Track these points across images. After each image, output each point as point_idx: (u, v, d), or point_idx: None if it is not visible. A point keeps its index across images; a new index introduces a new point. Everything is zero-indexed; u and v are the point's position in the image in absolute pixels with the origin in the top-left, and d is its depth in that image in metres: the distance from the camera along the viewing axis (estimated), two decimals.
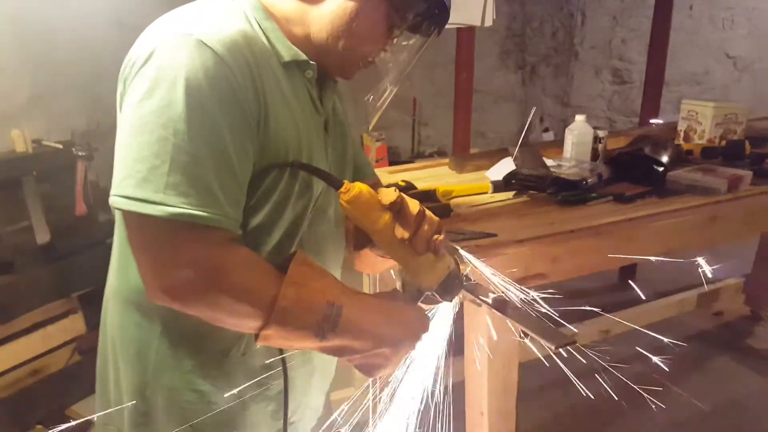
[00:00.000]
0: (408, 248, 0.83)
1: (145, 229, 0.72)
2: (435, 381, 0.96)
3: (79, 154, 2.61)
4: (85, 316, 2.63)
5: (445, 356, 0.96)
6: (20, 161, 2.49)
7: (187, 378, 0.87)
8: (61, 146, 2.64)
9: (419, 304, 0.89)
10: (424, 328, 0.87)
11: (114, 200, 0.72)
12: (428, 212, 0.85)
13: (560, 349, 0.86)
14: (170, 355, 0.86)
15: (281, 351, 0.84)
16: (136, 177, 0.70)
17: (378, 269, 1.09)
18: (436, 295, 0.88)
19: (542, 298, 0.96)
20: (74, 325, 2.61)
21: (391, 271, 0.96)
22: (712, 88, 5.05)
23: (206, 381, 0.87)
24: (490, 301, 0.93)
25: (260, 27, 0.83)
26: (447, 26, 0.94)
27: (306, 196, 0.86)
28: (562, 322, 0.92)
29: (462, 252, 0.98)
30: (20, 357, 2.42)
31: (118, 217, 0.87)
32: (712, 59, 5.05)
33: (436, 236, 0.84)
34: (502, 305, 0.92)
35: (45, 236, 2.57)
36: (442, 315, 0.95)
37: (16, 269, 2.46)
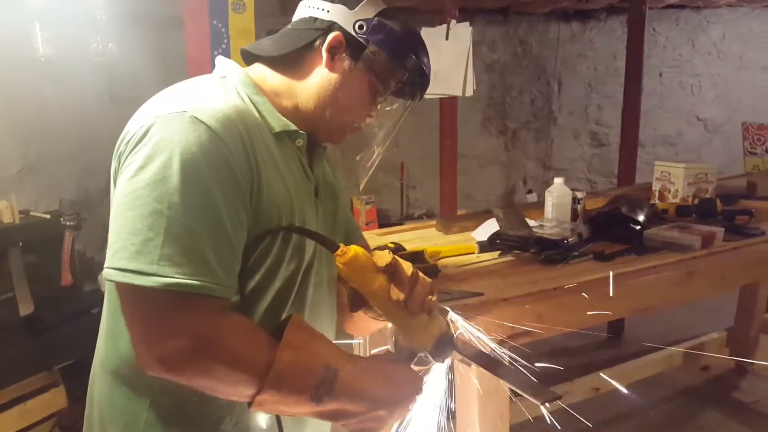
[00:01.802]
0: (403, 309, 0.85)
1: (139, 300, 0.73)
2: None
3: (67, 224, 2.62)
4: (67, 390, 2.56)
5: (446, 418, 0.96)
6: (6, 232, 2.50)
7: None
8: (48, 216, 2.66)
9: (412, 365, 0.89)
10: (419, 389, 0.88)
11: (108, 273, 0.73)
12: (421, 274, 0.88)
13: (546, 405, 0.87)
14: (160, 428, 0.85)
15: (279, 423, 0.83)
16: (129, 249, 0.71)
17: (369, 331, 1.10)
18: (429, 356, 0.89)
19: (532, 356, 0.97)
20: (55, 399, 2.54)
21: (387, 332, 0.97)
22: (685, 150, 5.25)
23: None
24: (478, 359, 0.94)
25: (251, 101, 0.88)
26: (431, 96, 1.00)
27: (296, 259, 0.88)
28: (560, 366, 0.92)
29: (452, 313, 0.99)
30: None
31: (108, 289, 0.88)
32: (683, 122, 5.28)
33: (429, 297, 0.87)
34: (490, 363, 0.93)
35: (29, 308, 2.53)
36: (434, 378, 0.96)
37: None
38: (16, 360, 2.44)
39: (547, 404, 0.86)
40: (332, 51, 0.90)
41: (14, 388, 2.42)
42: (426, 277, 0.88)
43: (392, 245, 1.78)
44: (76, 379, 2.53)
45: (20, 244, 2.51)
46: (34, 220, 2.63)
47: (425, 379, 0.92)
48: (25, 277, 2.52)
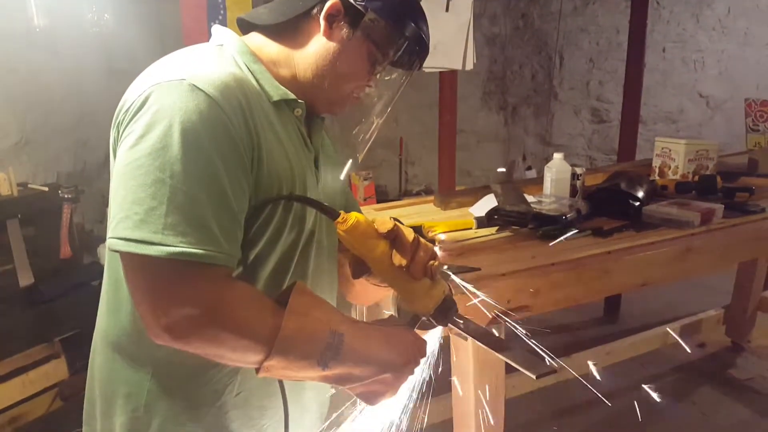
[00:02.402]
0: (405, 274, 0.86)
1: (145, 269, 0.72)
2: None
3: (66, 196, 2.63)
4: (68, 361, 2.59)
5: (429, 386, 0.97)
6: (5, 204, 2.49)
7: (180, 420, 0.86)
8: (46, 189, 2.65)
9: (415, 329, 0.91)
10: (423, 352, 0.89)
11: (112, 242, 0.73)
12: (422, 239, 0.88)
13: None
14: (162, 397, 0.85)
15: (282, 390, 0.84)
16: (133, 219, 0.71)
17: (371, 300, 1.11)
18: (432, 320, 0.91)
19: (529, 331, 0.98)
20: (56, 370, 2.57)
21: (390, 298, 0.98)
22: (687, 126, 5.22)
23: (199, 423, 0.87)
24: (474, 333, 0.94)
25: (249, 69, 0.87)
26: (430, 70, 0.99)
27: (297, 228, 0.89)
28: (551, 356, 0.94)
29: (453, 277, 1.00)
30: (0, 404, 2.36)
31: (108, 260, 0.88)
32: (685, 98, 5.23)
33: (431, 262, 0.87)
34: (486, 337, 0.94)
35: (28, 279, 2.55)
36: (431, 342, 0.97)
37: None
38: (16, 331, 2.46)
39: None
40: (330, 19, 0.88)
41: (15, 358, 2.44)
42: (428, 243, 0.89)
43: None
44: (77, 350, 2.56)
45: (19, 216, 2.51)
46: (32, 193, 2.63)
47: (429, 342, 0.93)
48: (24, 249, 2.52)
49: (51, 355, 2.56)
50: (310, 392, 0.99)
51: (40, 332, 2.53)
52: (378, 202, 4.32)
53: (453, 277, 1.00)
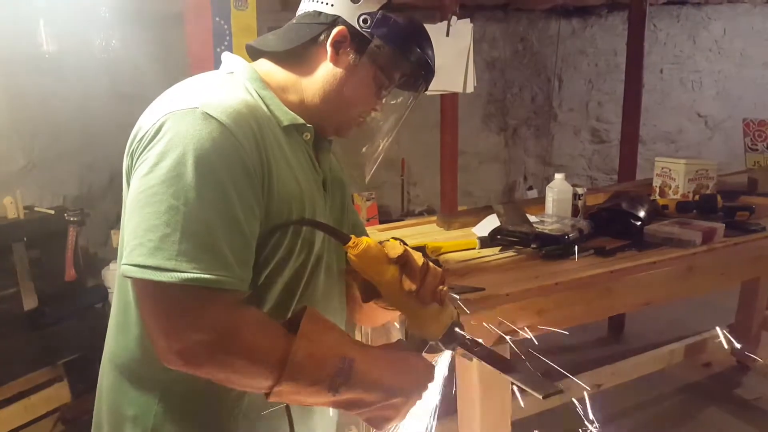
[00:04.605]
0: (414, 299, 0.87)
1: (158, 295, 0.73)
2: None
3: (71, 219, 2.64)
4: (71, 384, 2.58)
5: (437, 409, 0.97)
6: (11, 227, 2.51)
7: None
8: (52, 212, 2.67)
9: (423, 354, 0.91)
10: (432, 377, 0.90)
11: (126, 269, 0.74)
12: (431, 264, 0.89)
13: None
14: (169, 421, 0.86)
15: (289, 414, 0.84)
16: (147, 246, 0.72)
17: (378, 322, 1.11)
18: (440, 345, 0.91)
19: (535, 352, 0.98)
20: (59, 394, 2.55)
21: (395, 324, 0.98)
22: (686, 146, 5.25)
23: None
24: (480, 354, 0.95)
25: (259, 96, 0.89)
26: (432, 93, 1.01)
27: (306, 251, 0.90)
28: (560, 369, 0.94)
29: (461, 303, 1.01)
30: (1, 429, 2.35)
31: (118, 285, 0.89)
32: (684, 119, 5.28)
33: (440, 287, 0.88)
34: (492, 358, 0.94)
35: (32, 302, 2.55)
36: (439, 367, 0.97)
37: (2, 337, 2.43)
38: (19, 354, 2.46)
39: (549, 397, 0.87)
40: (337, 45, 0.90)
41: (18, 382, 2.43)
42: (437, 267, 0.90)
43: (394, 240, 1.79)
44: (80, 374, 2.55)
45: (24, 239, 2.52)
46: (38, 216, 2.65)
47: (437, 367, 0.93)
48: (29, 272, 2.53)
49: (54, 378, 2.55)
50: (316, 415, 0.99)
51: (44, 355, 2.53)
52: (380, 222, 4.33)
53: (459, 302, 1.01)
